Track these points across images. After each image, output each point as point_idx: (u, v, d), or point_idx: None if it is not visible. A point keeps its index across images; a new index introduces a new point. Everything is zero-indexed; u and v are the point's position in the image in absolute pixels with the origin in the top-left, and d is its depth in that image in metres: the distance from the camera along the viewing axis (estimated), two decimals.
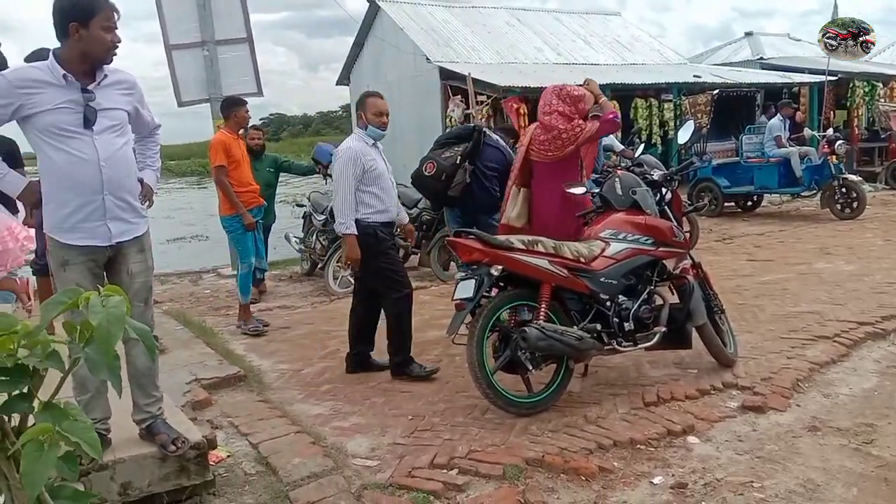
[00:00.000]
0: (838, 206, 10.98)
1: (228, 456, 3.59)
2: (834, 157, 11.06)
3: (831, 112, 17.45)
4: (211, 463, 3.29)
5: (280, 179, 8.19)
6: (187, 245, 15.01)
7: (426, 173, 5.72)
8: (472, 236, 3.94)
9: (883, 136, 16.63)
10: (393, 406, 4.21)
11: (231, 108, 6.16)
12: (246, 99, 6.42)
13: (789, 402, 3.99)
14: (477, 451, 3.48)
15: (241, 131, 6.44)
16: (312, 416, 4.13)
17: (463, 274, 4.04)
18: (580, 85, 4.92)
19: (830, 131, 12.55)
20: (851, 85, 17.05)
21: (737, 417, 3.83)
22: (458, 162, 5.61)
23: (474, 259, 3.90)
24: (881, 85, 17.40)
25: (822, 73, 14.81)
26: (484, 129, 5.90)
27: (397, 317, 4.70)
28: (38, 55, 3.63)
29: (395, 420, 3.98)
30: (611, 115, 4.65)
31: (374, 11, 19.66)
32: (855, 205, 10.85)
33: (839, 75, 16.45)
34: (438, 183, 5.66)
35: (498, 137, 6.01)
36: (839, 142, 11.28)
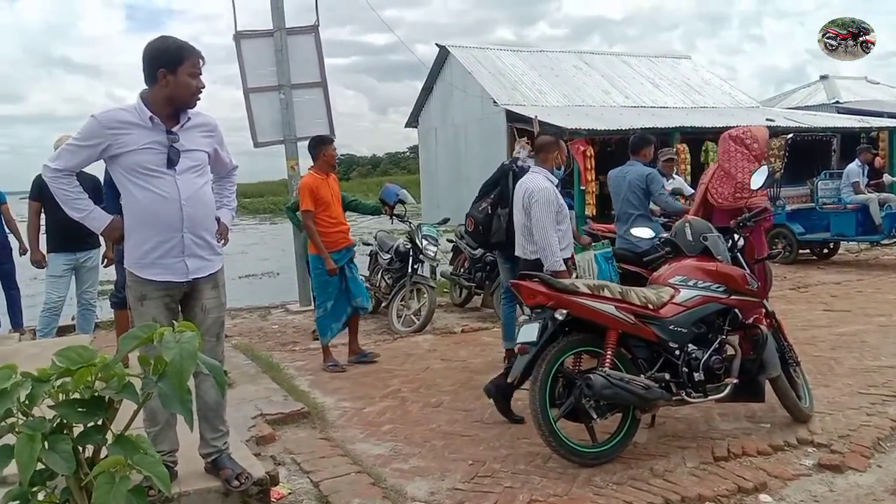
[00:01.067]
0: None
1: (290, 493, 3.62)
2: None
3: None
4: (273, 499, 3.32)
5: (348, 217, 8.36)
6: (258, 281, 15.38)
7: (468, 230, 5.90)
8: (537, 279, 3.92)
9: None
10: (453, 450, 4.17)
11: (318, 148, 6.26)
12: (332, 137, 6.58)
13: (869, 462, 3.77)
14: (538, 500, 3.40)
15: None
16: (373, 457, 4.13)
17: (526, 317, 4.01)
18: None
19: None
20: None
21: (812, 476, 3.65)
22: (490, 212, 5.66)
23: (538, 302, 3.87)
24: None
25: None
26: (515, 167, 5.82)
27: None
28: None
29: (455, 464, 3.94)
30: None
31: (443, 56, 20.10)
32: None
33: None
34: (479, 236, 5.78)
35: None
36: None
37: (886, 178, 12.69)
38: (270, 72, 9.01)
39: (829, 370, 5.46)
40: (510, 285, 4.27)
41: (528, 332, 3.84)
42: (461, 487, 3.64)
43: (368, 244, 9.50)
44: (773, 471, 3.68)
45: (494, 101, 17.02)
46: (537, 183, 4.95)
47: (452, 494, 3.56)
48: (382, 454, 4.17)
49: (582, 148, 13.51)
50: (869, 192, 11.36)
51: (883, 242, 11.27)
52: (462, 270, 8.81)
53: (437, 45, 20.12)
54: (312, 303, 8.05)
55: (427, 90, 21.33)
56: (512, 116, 15.98)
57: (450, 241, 9.66)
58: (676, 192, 8.74)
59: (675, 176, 9.06)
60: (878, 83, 23.94)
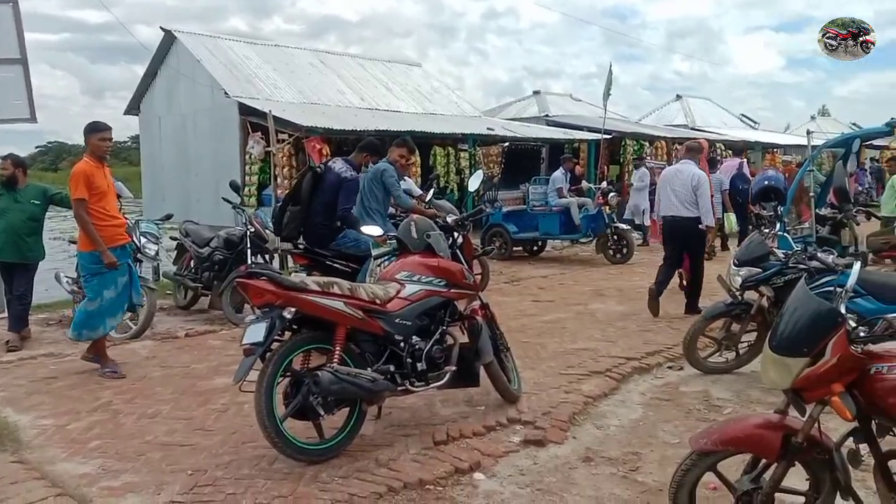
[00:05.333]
0: (611, 252, 12.11)
1: None
2: (607, 207, 12.23)
3: (606, 167, 19.33)
4: None
5: (51, 212, 7.44)
6: None
7: None
8: (265, 277, 3.80)
9: (650, 190, 18.67)
10: (171, 461, 3.89)
11: (87, 135, 5.53)
12: (107, 125, 5.71)
13: (566, 435, 4.25)
14: (262, 503, 3.31)
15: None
16: (77, 476, 3.71)
17: (253, 317, 3.87)
18: None
19: (605, 184, 13.89)
20: (623, 143, 19.06)
21: (520, 451, 4.02)
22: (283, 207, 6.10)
23: (266, 301, 3.75)
24: (648, 144, 19.63)
25: (599, 131, 16.44)
26: (318, 168, 6.12)
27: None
28: None
29: (173, 476, 3.68)
30: None
31: (169, 41, 18.78)
32: (625, 251, 12.03)
33: (613, 134, 18.31)
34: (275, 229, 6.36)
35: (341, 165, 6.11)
36: (612, 194, 12.52)
37: (584, 184, 14.44)
38: None
39: (535, 354, 6.05)
40: (236, 284, 4.10)
41: (255, 333, 3.70)
42: (179, 500, 3.41)
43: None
44: (486, 450, 3.98)
45: (226, 93, 16.31)
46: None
47: None
48: (89, 473, 3.77)
49: (318, 146, 13.51)
50: (570, 196, 12.84)
51: (581, 241, 12.82)
52: (187, 270, 8.29)
53: (161, 28, 18.76)
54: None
55: (150, 76, 19.75)
56: (245, 109, 15.43)
57: (174, 238, 9.04)
58: (407, 192, 9.11)
59: (406, 178, 9.42)
60: (580, 100, 27.25)
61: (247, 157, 14.99)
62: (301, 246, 6.16)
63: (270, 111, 12.58)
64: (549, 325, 7.26)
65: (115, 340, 6.73)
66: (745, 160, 15.54)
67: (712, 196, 8.01)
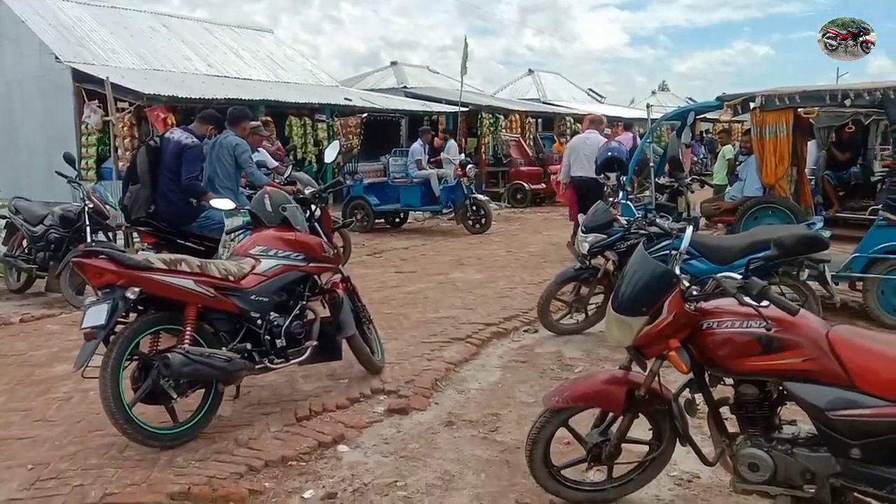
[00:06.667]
0: (470, 222, 12.38)
1: None
2: (466, 179, 12.46)
3: (464, 139, 19.65)
4: None
5: None
6: None
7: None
8: (104, 255, 3.55)
9: (505, 162, 19.21)
10: (8, 456, 3.59)
11: None
12: None
13: (429, 402, 4.34)
14: (113, 493, 3.15)
15: None
16: None
17: (94, 299, 3.62)
18: None
19: (463, 156, 14.12)
20: (480, 116, 19.42)
21: (384, 421, 4.05)
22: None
23: (107, 281, 3.51)
24: (503, 117, 20.13)
25: (456, 104, 16.64)
26: (152, 142, 5.79)
27: None
28: None
29: (10, 472, 3.40)
30: None
31: None
32: (483, 221, 12.33)
33: (470, 107, 18.61)
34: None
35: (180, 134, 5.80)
36: (469, 166, 12.76)
37: (443, 155, 14.61)
38: None
39: (398, 325, 6.10)
40: (73, 265, 3.79)
41: (96, 315, 3.46)
42: (19, 497, 3.18)
43: (3, 217, 7.85)
44: (349, 422, 3.98)
45: (57, 57, 14.95)
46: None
47: None
48: None
49: (162, 115, 12.71)
50: (430, 168, 12.96)
51: (443, 212, 12.99)
52: (19, 250, 7.60)
53: None
54: None
55: None
56: (79, 76, 14.21)
57: (1, 217, 8.25)
58: (261, 165, 8.81)
59: (259, 149, 9.10)
60: (437, 73, 27.41)
61: (83, 127, 13.84)
62: (148, 222, 5.77)
63: (108, 77, 11.73)
64: (411, 295, 7.34)
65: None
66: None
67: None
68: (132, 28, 18.52)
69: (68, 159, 7.63)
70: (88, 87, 13.69)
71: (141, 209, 5.64)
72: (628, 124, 20.21)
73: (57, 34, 16.07)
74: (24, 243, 7.56)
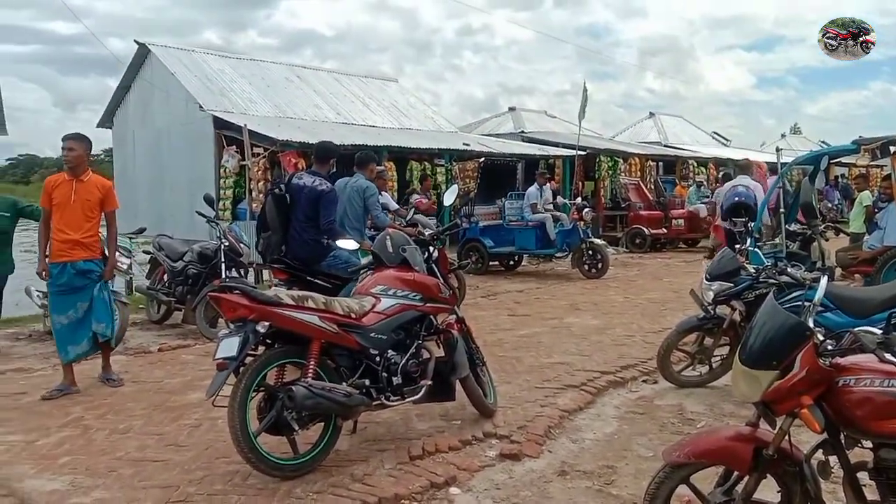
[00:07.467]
0: (586, 267, 12.20)
1: None
2: (582, 222, 12.34)
3: (581, 183, 19.53)
4: None
5: (24, 225, 7.34)
6: None
7: None
8: (238, 291, 3.78)
9: (623, 206, 18.91)
10: (143, 477, 3.83)
11: None
12: (69, 134, 5.56)
13: (542, 449, 4.26)
14: None
15: None
16: (46, 493, 3.65)
17: (227, 331, 3.84)
18: None
19: (580, 200, 14.02)
20: (598, 159, 19.27)
21: (495, 466, 4.01)
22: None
23: (240, 315, 3.72)
24: (622, 161, 19.87)
25: (574, 147, 16.61)
26: (276, 189, 5.95)
27: None
28: None
29: (145, 493, 3.63)
30: None
31: (143, 54, 18.67)
32: (600, 265, 12.12)
33: (588, 150, 18.52)
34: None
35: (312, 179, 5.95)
36: (586, 209, 12.64)
37: (559, 199, 14.56)
38: None
39: (511, 368, 6.07)
40: (209, 299, 4.05)
41: (228, 347, 3.67)
42: None
43: (148, 252, 8.69)
44: (461, 464, 3.97)
45: (201, 106, 16.23)
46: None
47: None
48: (59, 489, 3.71)
49: (294, 160, 13.47)
50: (545, 212, 12.93)
51: (557, 255, 12.89)
52: (160, 284, 8.20)
53: (136, 41, 18.62)
54: None
55: (124, 89, 19.59)
56: (220, 123, 15.35)
57: (146, 252, 8.95)
58: (384, 207, 9.13)
59: (383, 193, 9.44)
60: (555, 117, 27.54)
61: (221, 170, 14.89)
62: (281, 260, 6.03)
63: (246, 125, 12.54)
64: (524, 339, 7.29)
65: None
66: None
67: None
68: (268, 79, 19.81)
69: (208, 200, 8.20)
70: (227, 134, 14.73)
71: (274, 252, 5.91)
72: (774, 168, 19.39)
73: (201, 85, 17.45)
74: (165, 277, 8.15)
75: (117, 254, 7.15)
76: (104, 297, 5.66)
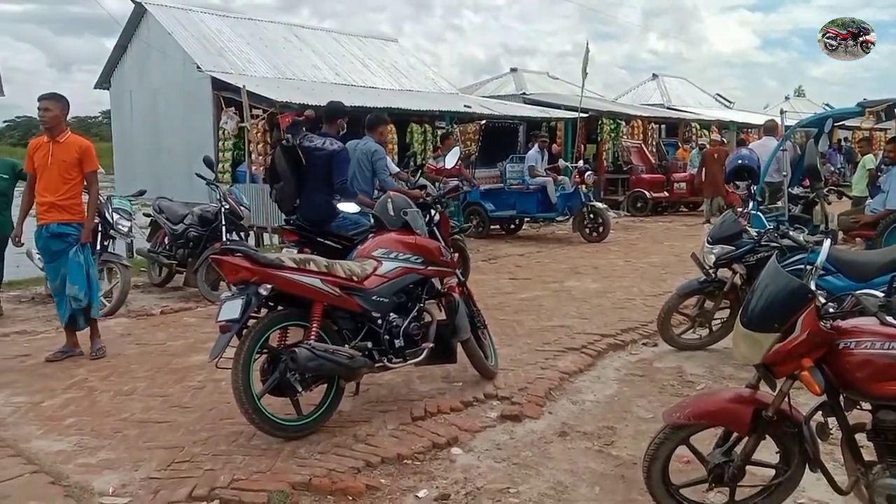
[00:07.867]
0: (587, 230, 12.19)
1: None
2: (584, 186, 12.29)
3: (583, 146, 19.37)
4: None
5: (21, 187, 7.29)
6: None
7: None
8: (240, 254, 3.78)
9: (625, 169, 18.80)
10: (148, 438, 3.88)
11: None
12: (45, 94, 5.41)
13: (542, 410, 4.31)
14: (240, 479, 3.32)
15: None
16: (53, 454, 3.70)
17: (229, 294, 3.85)
18: None
19: (581, 163, 13.93)
20: (600, 122, 19.09)
21: (496, 427, 4.06)
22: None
23: (242, 278, 3.72)
24: (624, 123, 19.69)
25: (576, 109, 16.45)
26: (285, 141, 5.81)
27: None
28: None
29: (150, 453, 3.68)
30: None
31: (139, 14, 18.35)
32: (601, 229, 12.11)
33: (590, 113, 18.33)
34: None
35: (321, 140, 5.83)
36: (588, 173, 12.58)
37: (561, 162, 14.48)
38: None
39: (512, 331, 6.10)
40: (211, 261, 4.04)
41: (231, 309, 3.68)
42: (157, 476, 3.42)
43: (148, 215, 8.70)
44: (463, 425, 4.02)
45: (198, 67, 16.02)
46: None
47: (147, 484, 3.32)
48: (65, 450, 3.76)
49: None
50: (546, 175, 12.87)
51: (558, 219, 12.87)
52: (161, 247, 8.20)
53: (132, 0, 18.34)
54: None
55: (120, 49, 19.29)
56: (218, 84, 15.16)
57: (147, 215, 8.92)
58: None
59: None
60: (557, 78, 27.19)
61: (220, 132, 14.77)
62: (292, 221, 5.97)
63: (244, 86, 12.42)
64: (525, 302, 7.31)
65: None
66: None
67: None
68: (266, 38, 19.52)
69: (207, 163, 8.16)
70: (226, 95, 14.57)
71: (288, 203, 5.83)
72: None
73: (199, 45, 17.20)
74: (166, 240, 8.15)
75: (117, 216, 7.16)
76: (79, 261, 5.40)
